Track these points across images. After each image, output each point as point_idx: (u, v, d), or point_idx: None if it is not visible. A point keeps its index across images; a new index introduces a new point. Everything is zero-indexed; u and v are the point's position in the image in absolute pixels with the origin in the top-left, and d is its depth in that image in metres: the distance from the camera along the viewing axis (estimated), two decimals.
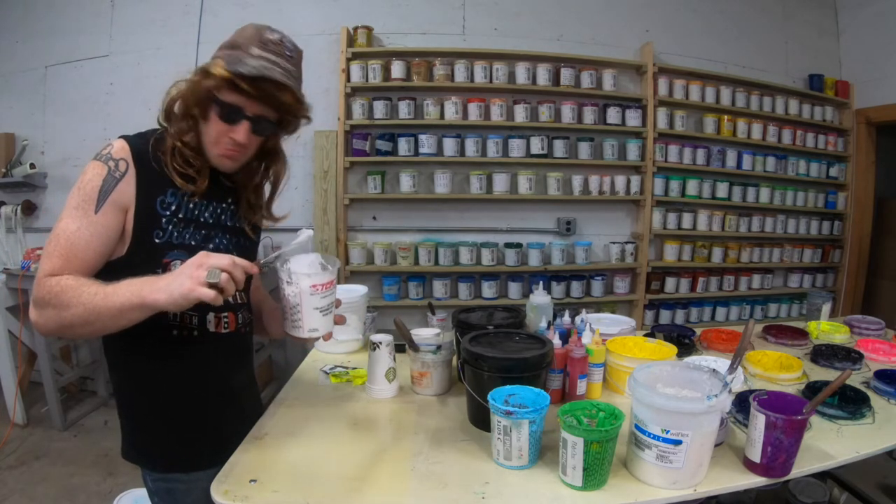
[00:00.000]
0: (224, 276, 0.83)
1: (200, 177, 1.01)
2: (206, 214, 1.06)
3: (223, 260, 0.85)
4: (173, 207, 1.00)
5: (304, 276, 0.95)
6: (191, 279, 0.82)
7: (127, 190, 0.95)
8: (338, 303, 1.03)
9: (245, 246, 1.15)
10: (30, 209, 3.41)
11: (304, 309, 0.97)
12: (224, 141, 0.99)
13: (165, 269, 0.98)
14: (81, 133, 3.35)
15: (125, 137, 0.99)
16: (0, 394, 3.08)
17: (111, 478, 2.48)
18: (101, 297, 0.85)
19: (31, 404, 3.10)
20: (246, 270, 0.87)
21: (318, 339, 1.02)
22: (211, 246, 1.06)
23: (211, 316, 1.06)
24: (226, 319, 1.09)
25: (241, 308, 1.14)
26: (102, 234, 0.94)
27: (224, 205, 1.10)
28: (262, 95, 0.95)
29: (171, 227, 0.99)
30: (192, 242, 1.02)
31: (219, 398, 1.12)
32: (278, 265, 0.96)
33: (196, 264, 0.84)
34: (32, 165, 3.29)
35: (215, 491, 0.91)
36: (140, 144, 0.98)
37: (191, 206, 1.02)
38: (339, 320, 1.06)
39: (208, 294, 0.81)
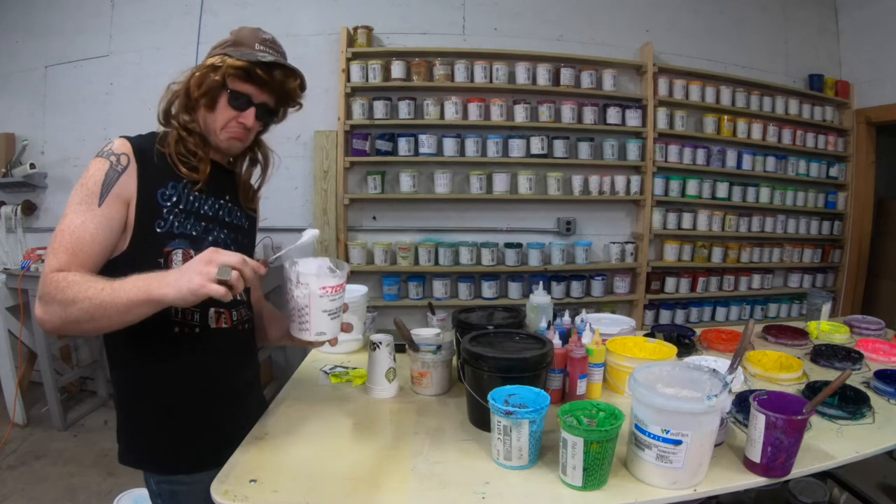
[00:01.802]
0: (235, 273, 0.82)
1: (203, 165, 1.06)
2: (206, 207, 1.08)
3: (234, 258, 0.84)
4: (174, 199, 1.02)
5: (313, 277, 0.93)
6: (200, 275, 0.81)
7: (129, 183, 0.98)
8: (345, 307, 1.01)
9: (242, 243, 1.17)
10: (30, 209, 3.41)
11: (313, 311, 0.95)
12: (232, 125, 1.06)
13: (167, 258, 1.00)
14: (81, 133, 3.36)
15: (125, 136, 1.02)
16: (0, 394, 3.08)
17: (111, 478, 2.48)
18: (108, 293, 0.85)
19: (31, 404, 3.10)
20: (255, 270, 0.87)
21: (323, 343, 1.01)
22: (210, 238, 1.07)
23: (212, 311, 1.07)
24: (224, 315, 1.10)
25: (238, 305, 1.14)
26: (107, 226, 0.95)
27: (222, 201, 1.12)
28: (273, 82, 1.04)
29: (171, 218, 1.01)
30: (193, 233, 1.04)
31: (222, 397, 1.12)
32: (286, 265, 0.95)
33: (206, 260, 0.83)
34: (32, 165, 3.30)
35: (215, 491, 0.91)
36: (140, 141, 1.02)
37: (191, 198, 1.05)
38: (347, 328, 1.04)
39: (218, 290, 0.81)
